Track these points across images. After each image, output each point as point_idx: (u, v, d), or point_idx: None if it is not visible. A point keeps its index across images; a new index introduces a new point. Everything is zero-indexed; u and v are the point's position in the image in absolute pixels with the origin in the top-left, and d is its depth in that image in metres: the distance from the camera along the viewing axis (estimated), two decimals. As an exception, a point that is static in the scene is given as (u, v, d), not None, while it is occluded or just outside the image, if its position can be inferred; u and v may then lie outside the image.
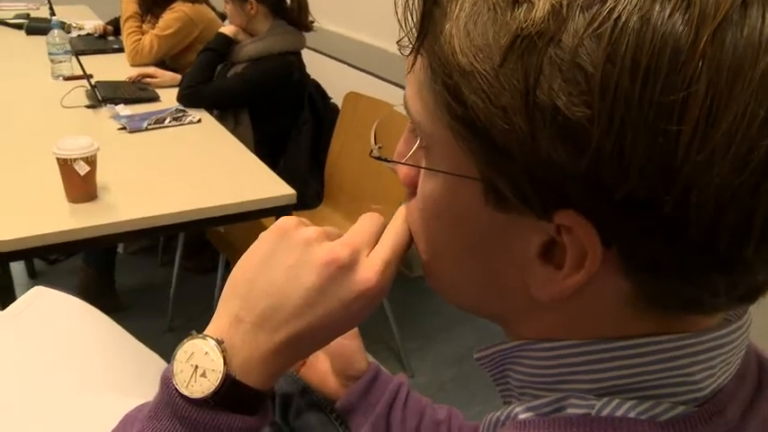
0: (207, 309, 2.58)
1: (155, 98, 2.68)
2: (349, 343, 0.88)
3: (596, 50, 0.33)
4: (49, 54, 2.89)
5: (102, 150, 1.75)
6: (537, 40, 0.35)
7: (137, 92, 2.69)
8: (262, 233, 0.55)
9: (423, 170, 0.45)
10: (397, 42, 0.44)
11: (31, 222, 1.64)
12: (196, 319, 2.62)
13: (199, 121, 2.46)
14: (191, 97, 2.59)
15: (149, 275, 3.12)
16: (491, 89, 0.36)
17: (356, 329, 0.91)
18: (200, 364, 0.51)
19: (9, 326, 1.06)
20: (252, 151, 2.25)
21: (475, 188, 0.41)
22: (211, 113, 2.59)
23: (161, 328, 2.68)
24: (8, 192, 1.83)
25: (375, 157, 0.54)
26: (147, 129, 2.33)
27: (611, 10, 0.33)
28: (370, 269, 0.51)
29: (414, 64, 0.43)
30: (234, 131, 2.47)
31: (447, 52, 0.38)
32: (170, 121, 2.41)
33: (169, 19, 3.06)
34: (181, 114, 2.47)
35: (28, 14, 4.17)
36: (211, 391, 0.50)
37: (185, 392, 0.51)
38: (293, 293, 0.51)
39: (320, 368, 0.91)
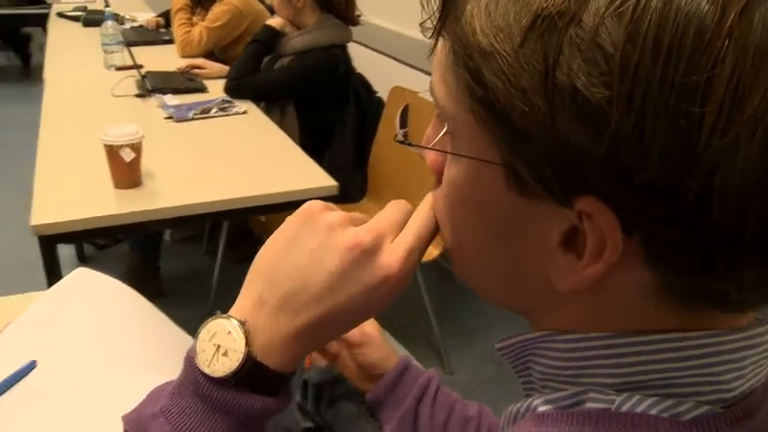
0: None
1: (202, 89, 2.72)
2: (373, 336, 0.89)
3: (617, 30, 0.33)
4: (103, 45, 2.96)
5: (148, 138, 1.79)
6: (557, 20, 0.34)
7: (185, 82, 2.74)
8: (288, 217, 0.56)
9: (448, 156, 0.45)
10: (420, 24, 0.44)
11: (78, 207, 1.68)
12: (237, 306, 2.62)
13: (244, 112, 2.49)
14: (237, 88, 2.62)
15: (194, 263, 3.17)
16: (511, 70, 0.36)
17: (377, 326, 0.91)
18: (223, 344, 0.52)
19: (52, 304, 1.09)
20: (297, 144, 2.27)
21: (497, 173, 0.40)
22: (258, 105, 2.61)
23: (202, 314, 2.69)
24: (58, 177, 1.88)
25: (399, 142, 0.54)
26: (192, 118, 2.37)
27: None
28: (394, 255, 0.51)
29: (435, 47, 0.42)
30: (280, 123, 2.49)
31: (468, 33, 0.38)
32: (216, 112, 2.44)
33: (218, 11, 3.10)
34: (227, 105, 2.51)
35: (85, 7, 4.28)
36: (232, 370, 0.51)
37: (207, 371, 0.51)
38: (316, 277, 0.51)
39: (360, 361, 0.92)
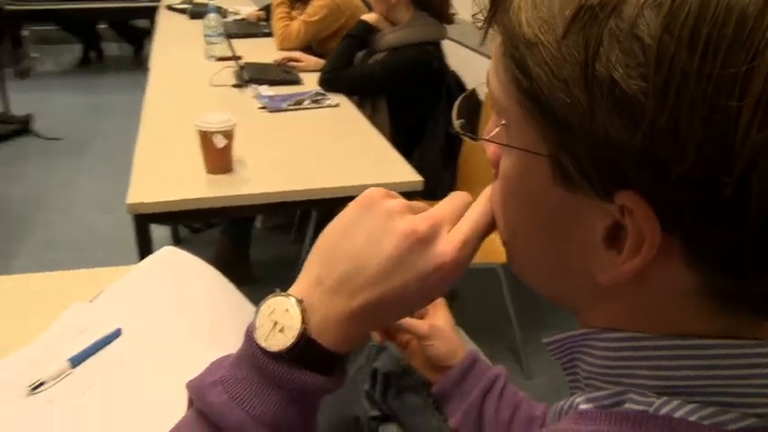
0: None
1: (297, 81, 2.78)
2: (441, 344, 0.89)
3: (655, 20, 0.32)
4: (205, 36, 3.06)
5: (241, 127, 1.84)
6: (599, 11, 0.34)
7: (281, 74, 2.80)
8: (351, 202, 0.57)
9: (504, 149, 0.45)
10: (473, 17, 0.44)
11: (171, 189, 1.75)
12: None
13: (337, 105, 2.53)
14: (330, 81, 2.66)
15: (282, 251, 3.25)
16: (553, 61, 0.36)
17: (451, 320, 0.91)
18: (280, 320, 0.53)
19: (139, 277, 1.14)
20: (388, 139, 2.29)
21: (545, 166, 0.40)
22: (351, 99, 2.65)
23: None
24: (155, 160, 1.96)
25: (456, 133, 0.54)
26: (286, 109, 2.42)
27: None
28: (448, 244, 0.51)
29: (484, 38, 0.43)
30: (371, 118, 2.52)
31: (515, 24, 0.38)
32: (309, 103, 2.49)
33: (317, 6, 3.16)
34: (320, 98, 2.55)
35: (192, 1, 4.43)
36: (287, 346, 0.52)
37: (264, 345, 0.53)
38: (371, 261, 0.52)
39: (427, 354, 0.92)
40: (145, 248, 1.70)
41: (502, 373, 0.90)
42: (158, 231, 3.15)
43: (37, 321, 1.05)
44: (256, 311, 0.55)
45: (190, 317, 1.05)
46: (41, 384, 0.92)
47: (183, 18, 4.17)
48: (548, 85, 0.36)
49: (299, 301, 0.53)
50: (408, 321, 0.89)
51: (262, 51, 3.12)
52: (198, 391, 0.55)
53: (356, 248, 0.53)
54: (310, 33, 3.20)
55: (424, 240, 0.51)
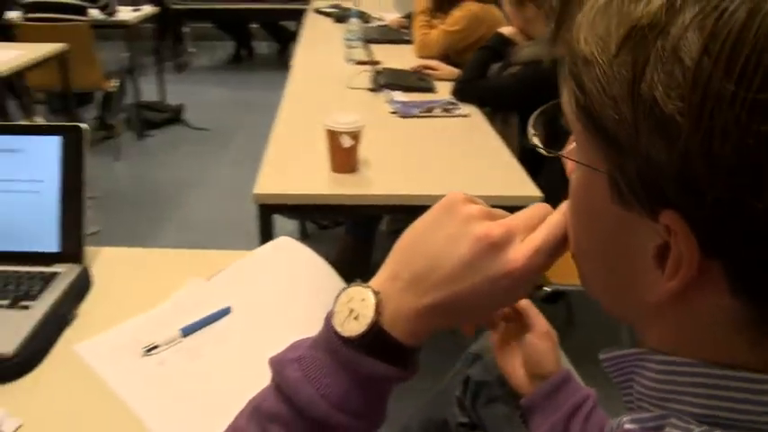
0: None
1: (431, 89, 2.82)
2: (540, 343, 0.89)
3: (696, 42, 0.33)
4: (345, 40, 3.16)
5: (371, 129, 1.90)
6: (648, 32, 0.35)
7: (415, 81, 2.85)
8: (434, 204, 0.60)
9: (576, 164, 0.47)
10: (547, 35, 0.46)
11: (296, 183, 1.83)
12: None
13: (467, 115, 2.55)
14: (463, 92, 2.68)
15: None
16: (605, 78, 0.37)
17: (553, 333, 0.92)
18: (356, 308, 0.56)
19: (253, 262, 1.21)
20: (515, 155, 2.28)
21: (604, 182, 0.41)
22: (482, 111, 2.66)
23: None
24: (285, 154, 2.05)
25: (531, 146, 0.56)
26: (416, 116, 2.47)
27: (722, 0, 0.32)
28: (520, 251, 0.53)
29: (551, 55, 0.45)
30: (500, 132, 2.51)
31: (574, 41, 0.40)
32: (439, 112, 2.52)
33: (457, 16, 3.19)
34: (451, 107, 2.58)
35: (339, 5, 4.58)
36: (359, 333, 0.55)
37: (339, 330, 0.57)
38: (446, 261, 0.54)
39: (514, 359, 0.93)
40: (266, 237, 1.78)
41: (592, 395, 0.90)
42: (288, 225, 3.29)
43: (160, 291, 1.15)
44: (336, 298, 0.59)
45: (294, 304, 1.10)
46: (154, 348, 1.00)
47: (329, 21, 4.33)
48: (599, 102, 0.38)
49: (376, 293, 0.57)
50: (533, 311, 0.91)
51: (399, 58, 3.18)
52: (277, 366, 0.59)
53: (432, 248, 0.55)
54: (449, 43, 3.24)
55: (497, 246, 0.53)
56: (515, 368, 0.93)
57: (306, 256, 1.23)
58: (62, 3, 4.53)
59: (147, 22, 5.56)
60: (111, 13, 4.94)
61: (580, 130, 0.42)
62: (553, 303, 2.66)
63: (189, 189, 4.20)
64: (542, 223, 0.55)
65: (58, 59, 3.87)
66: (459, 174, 2.03)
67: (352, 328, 0.56)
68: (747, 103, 0.32)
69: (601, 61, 0.37)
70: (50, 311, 1.05)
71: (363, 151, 1.93)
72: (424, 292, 0.55)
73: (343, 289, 0.59)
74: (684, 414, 0.41)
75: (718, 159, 0.33)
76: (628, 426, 0.44)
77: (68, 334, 1.07)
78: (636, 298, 0.43)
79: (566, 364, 0.98)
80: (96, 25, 4.56)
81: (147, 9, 5.54)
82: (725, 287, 0.37)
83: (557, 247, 0.53)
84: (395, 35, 3.77)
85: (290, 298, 1.12)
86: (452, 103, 2.62)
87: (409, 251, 0.58)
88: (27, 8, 4.59)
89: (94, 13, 4.78)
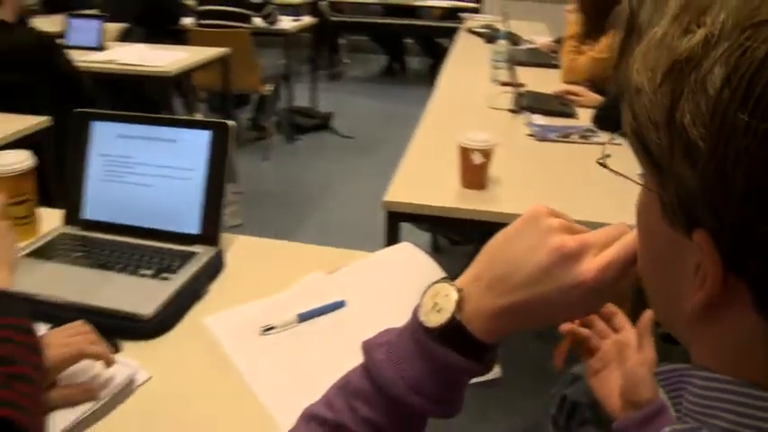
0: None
1: (572, 114, 2.81)
2: (640, 370, 0.91)
3: (720, 75, 0.36)
4: (492, 60, 3.21)
5: (505, 149, 1.94)
6: (685, 65, 0.38)
7: (557, 106, 2.85)
8: (521, 216, 0.64)
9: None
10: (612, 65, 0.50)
11: (425, 194, 1.90)
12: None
13: (604, 144, 2.52)
14: (603, 120, 2.65)
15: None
16: (650, 105, 0.41)
17: (654, 361, 0.92)
18: (439, 302, 0.62)
19: (374, 263, 1.28)
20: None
21: (656, 202, 0.44)
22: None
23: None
24: (419, 166, 2.12)
25: (599, 163, 0.60)
26: (552, 140, 2.47)
27: (749, 38, 0.36)
28: (591, 264, 0.56)
29: (612, 83, 0.48)
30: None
31: (630, 71, 0.43)
32: (576, 138, 2.52)
33: (606, 43, 3.15)
34: (589, 134, 2.56)
35: (491, 25, 4.63)
36: (440, 324, 0.61)
37: (422, 320, 0.62)
38: (524, 267, 0.59)
39: (611, 382, 0.95)
40: (392, 242, 1.86)
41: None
42: (420, 237, 3.37)
43: (284, 280, 1.25)
44: (424, 292, 0.65)
45: (405, 305, 1.16)
46: (272, 329, 1.10)
47: (479, 41, 4.39)
48: (645, 127, 0.41)
49: (459, 290, 0.62)
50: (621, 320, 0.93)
51: (544, 81, 3.19)
52: (367, 348, 0.66)
53: (513, 255, 0.60)
54: (596, 69, 3.21)
55: (571, 257, 0.57)
56: (611, 392, 0.94)
57: (424, 262, 1.29)
58: (230, 11, 4.87)
59: (305, 31, 5.87)
60: (273, 22, 5.25)
61: (637, 152, 0.46)
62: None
63: (329, 193, 4.39)
64: (618, 241, 0.58)
65: (221, 62, 4.18)
66: (587, 200, 2.02)
67: (434, 319, 0.62)
68: (759, 133, 0.35)
69: (648, 90, 0.41)
70: (186, 285, 1.18)
71: (495, 169, 1.97)
72: (502, 294, 0.60)
73: (431, 284, 0.65)
74: (715, 429, 0.43)
75: (731, 185, 0.36)
76: None
77: (199, 307, 1.19)
78: (682, 315, 0.46)
79: (660, 392, 0.98)
80: (258, 32, 4.89)
81: (307, 19, 5.84)
82: (750, 306, 0.40)
83: (626, 264, 0.56)
84: (543, 58, 3.77)
85: (403, 299, 1.17)
86: (591, 131, 2.60)
87: (492, 256, 0.62)
88: (200, 15, 4.98)
89: (257, 21, 5.10)
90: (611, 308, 0.95)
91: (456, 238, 3.53)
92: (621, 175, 0.52)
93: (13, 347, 0.83)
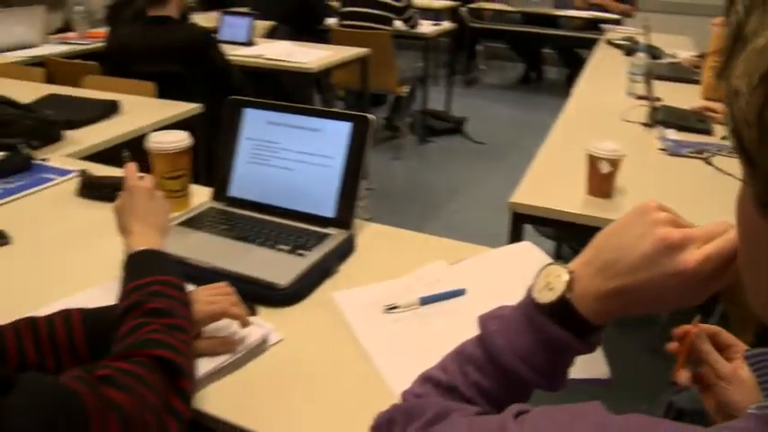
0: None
1: (708, 131, 2.74)
2: (730, 388, 0.91)
3: None
4: (629, 73, 3.18)
5: (634, 161, 1.95)
6: None
7: (694, 121, 2.79)
8: (632, 208, 0.70)
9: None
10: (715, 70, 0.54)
11: (550, 199, 1.94)
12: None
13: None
14: (741, 138, 2.59)
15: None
16: (747, 106, 0.45)
17: (750, 383, 0.94)
18: (551, 282, 0.69)
19: (496, 257, 1.35)
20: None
21: (751, 195, 0.48)
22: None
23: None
24: (547, 171, 2.17)
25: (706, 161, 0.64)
26: (685, 155, 2.44)
27: None
28: (692, 256, 0.62)
29: (714, 90, 0.53)
30: None
31: (732, 76, 0.48)
32: (710, 155, 2.47)
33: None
34: (723, 151, 2.51)
35: (632, 38, 4.55)
36: (550, 301, 0.68)
37: (534, 296, 0.70)
38: (631, 254, 0.65)
39: (720, 397, 0.97)
40: (514, 241, 1.91)
41: None
42: (544, 245, 3.38)
43: (409, 266, 1.36)
44: (538, 273, 0.72)
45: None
46: (395, 308, 1.19)
47: (618, 53, 4.33)
48: (741, 125, 0.46)
49: (570, 272, 0.69)
50: (715, 356, 0.95)
51: (682, 96, 3.12)
52: (483, 320, 0.74)
53: (621, 243, 0.66)
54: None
55: (673, 247, 0.62)
56: (721, 406, 0.96)
57: (543, 261, 1.34)
58: (373, 14, 5.04)
59: (444, 36, 5.98)
60: (414, 26, 5.38)
61: (735, 151, 0.50)
62: None
63: (456, 195, 4.47)
64: (720, 236, 0.62)
65: (361, 62, 4.35)
66: (713, 217, 2.00)
67: (545, 296, 0.69)
68: None
69: (745, 92, 0.45)
70: (319, 261, 1.29)
71: (622, 180, 1.98)
72: (610, 278, 0.66)
73: (546, 265, 0.71)
74: None
75: None
76: (750, 411, 0.51)
77: (329, 283, 1.31)
78: None
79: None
80: (398, 35, 5.04)
81: (446, 25, 5.93)
82: None
83: (726, 258, 0.61)
84: (683, 73, 3.68)
85: (521, 293, 1.24)
86: (725, 147, 2.54)
87: (603, 243, 0.69)
88: (343, 16, 5.18)
89: (399, 24, 5.24)
90: (729, 339, 0.95)
91: (578, 248, 3.50)
92: (725, 172, 0.57)
93: (170, 302, 0.96)
